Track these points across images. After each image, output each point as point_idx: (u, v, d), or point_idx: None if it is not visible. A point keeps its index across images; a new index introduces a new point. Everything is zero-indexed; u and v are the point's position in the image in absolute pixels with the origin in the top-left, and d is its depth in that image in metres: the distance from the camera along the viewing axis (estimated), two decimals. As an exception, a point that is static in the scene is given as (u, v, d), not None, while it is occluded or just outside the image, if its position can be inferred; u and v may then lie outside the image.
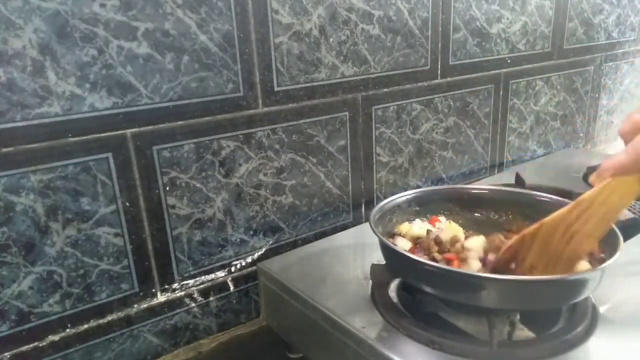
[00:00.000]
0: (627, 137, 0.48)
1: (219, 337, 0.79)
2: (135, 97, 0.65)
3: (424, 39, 0.93)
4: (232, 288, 0.80)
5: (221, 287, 0.79)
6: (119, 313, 0.70)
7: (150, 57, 0.65)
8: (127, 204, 0.67)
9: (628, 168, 0.47)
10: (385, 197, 0.75)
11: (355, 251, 0.80)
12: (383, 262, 0.65)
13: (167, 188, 0.70)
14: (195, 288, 0.76)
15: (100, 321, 0.69)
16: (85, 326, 0.68)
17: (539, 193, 0.72)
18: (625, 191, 0.48)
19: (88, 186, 0.64)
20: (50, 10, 0.57)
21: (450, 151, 1.05)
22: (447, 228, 0.66)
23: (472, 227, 0.70)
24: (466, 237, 0.64)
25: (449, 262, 0.59)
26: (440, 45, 0.96)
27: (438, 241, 0.62)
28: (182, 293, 0.75)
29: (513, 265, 0.56)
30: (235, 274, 0.80)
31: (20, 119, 0.58)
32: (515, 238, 0.56)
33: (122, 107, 0.64)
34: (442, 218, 0.72)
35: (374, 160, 0.93)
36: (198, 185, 0.73)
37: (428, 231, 0.66)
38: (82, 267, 0.65)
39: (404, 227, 0.67)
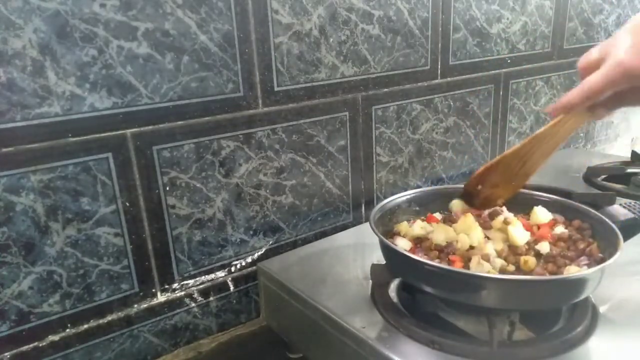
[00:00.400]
0: (583, 73, 0.54)
1: (219, 337, 0.79)
2: (135, 97, 0.65)
3: (424, 39, 0.93)
4: (232, 288, 0.80)
5: (221, 287, 0.79)
6: (119, 313, 0.70)
7: (150, 57, 0.65)
8: (127, 204, 0.67)
9: (577, 105, 0.53)
10: (385, 197, 0.75)
11: (355, 251, 0.80)
12: (383, 262, 0.65)
13: (167, 188, 0.70)
14: (195, 288, 0.76)
15: (100, 321, 0.69)
16: (85, 326, 0.68)
17: (538, 193, 0.72)
18: (572, 122, 0.57)
19: (88, 186, 0.64)
20: (50, 10, 0.57)
21: (450, 151, 1.05)
22: (437, 229, 0.65)
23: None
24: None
25: (450, 262, 0.59)
26: (440, 45, 0.96)
27: (438, 248, 0.62)
28: (182, 293, 0.75)
29: (479, 187, 0.64)
30: (235, 274, 0.80)
31: (20, 119, 0.58)
32: (482, 167, 0.64)
33: (122, 107, 0.64)
34: (437, 215, 0.71)
35: (374, 160, 0.93)
36: (198, 185, 0.73)
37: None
38: (82, 267, 0.65)
39: (404, 227, 0.67)
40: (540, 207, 0.68)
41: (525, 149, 0.61)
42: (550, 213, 0.68)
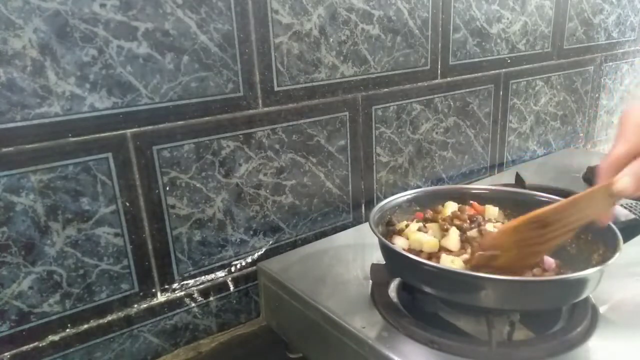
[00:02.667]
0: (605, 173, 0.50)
1: (219, 337, 0.79)
2: (135, 97, 0.65)
3: (424, 39, 0.93)
4: (232, 288, 0.80)
5: (221, 287, 0.79)
6: (119, 313, 0.70)
7: (150, 57, 0.65)
8: (127, 204, 0.67)
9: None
10: (385, 197, 0.75)
11: (355, 251, 0.80)
12: (383, 262, 0.65)
13: (167, 188, 0.70)
14: (195, 288, 0.76)
15: (100, 321, 0.69)
16: (85, 326, 0.68)
17: (539, 193, 0.72)
18: (601, 204, 0.52)
19: (88, 186, 0.64)
20: (50, 10, 0.57)
21: (450, 151, 1.05)
22: (425, 243, 0.64)
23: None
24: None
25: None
26: (440, 45, 0.96)
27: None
28: (182, 293, 0.75)
29: (497, 253, 0.58)
30: (235, 274, 0.80)
31: (20, 119, 0.58)
32: (502, 227, 0.59)
33: (122, 107, 0.64)
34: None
35: (374, 160, 0.93)
36: (198, 185, 0.73)
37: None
38: (82, 267, 0.65)
39: (402, 227, 0.67)
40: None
41: (555, 215, 0.54)
42: None
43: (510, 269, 0.56)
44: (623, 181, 0.49)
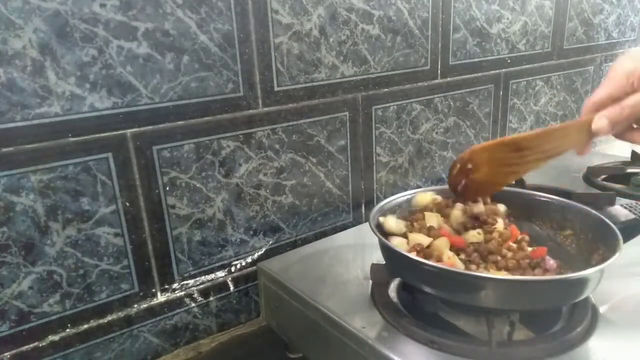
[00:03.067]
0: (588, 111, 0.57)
1: (219, 337, 0.79)
2: (135, 97, 0.65)
3: (424, 39, 0.93)
4: (232, 288, 0.80)
5: (221, 287, 0.79)
6: (119, 313, 0.70)
7: (150, 57, 0.65)
8: (127, 204, 0.67)
9: (621, 121, 0.55)
10: (385, 197, 0.75)
11: (355, 251, 0.80)
12: (383, 262, 0.65)
13: (167, 188, 0.70)
14: (195, 288, 0.76)
15: (100, 321, 0.69)
16: (85, 326, 0.68)
17: (539, 193, 0.72)
18: (587, 133, 0.57)
19: (88, 186, 0.64)
20: (50, 10, 0.57)
21: (450, 151, 1.05)
22: (428, 217, 0.65)
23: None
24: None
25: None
26: (440, 45, 0.96)
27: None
28: (182, 293, 0.75)
29: (469, 166, 0.63)
30: (235, 274, 0.80)
31: (20, 119, 0.58)
32: (478, 145, 0.63)
33: (122, 107, 0.64)
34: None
35: (374, 160, 0.93)
36: (198, 185, 0.73)
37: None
38: (82, 267, 0.65)
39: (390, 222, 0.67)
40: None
41: (529, 142, 0.59)
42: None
43: (485, 184, 0.63)
44: (600, 122, 0.55)
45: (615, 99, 0.54)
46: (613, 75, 0.55)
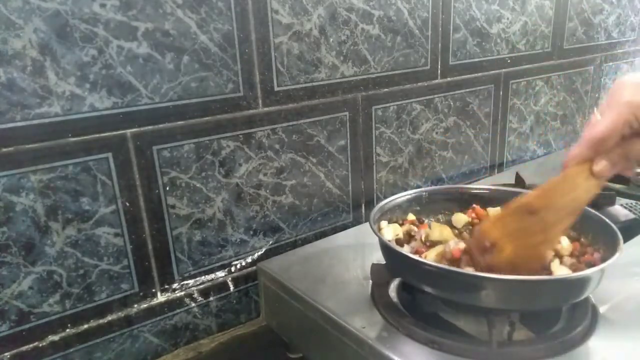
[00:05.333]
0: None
1: (219, 337, 0.79)
2: (135, 97, 0.65)
3: (424, 39, 0.93)
4: (232, 288, 0.80)
5: (221, 287, 0.79)
6: (119, 313, 0.70)
7: (150, 57, 0.65)
8: (127, 204, 0.67)
9: (584, 153, 0.51)
10: (385, 197, 0.75)
11: (355, 251, 0.80)
12: (383, 262, 0.65)
13: (167, 188, 0.70)
14: (195, 288, 0.76)
15: (100, 321, 0.69)
16: (85, 326, 0.68)
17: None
18: (590, 183, 0.51)
19: (88, 186, 0.64)
20: (50, 10, 0.57)
21: (450, 151, 1.05)
22: (434, 228, 0.66)
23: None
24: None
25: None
26: (440, 45, 0.96)
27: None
28: (182, 293, 0.75)
29: (487, 244, 0.55)
30: (235, 274, 0.80)
31: (20, 119, 0.58)
32: (493, 217, 0.59)
33: (122, 107, 0.64)
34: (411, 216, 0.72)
35: (374, 160, 0.93)
36: (198, 185, 0.73)
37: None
38: (82, 267, 0.65)
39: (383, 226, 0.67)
40: None
41: (539, 200, 0.53)
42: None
43: (520, 264, 0.54)
44: (601, 164, 0.50)
45: (617, 135, 0.49)
46: (614, 104, 0.49)
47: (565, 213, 0.53)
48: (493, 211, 0.71)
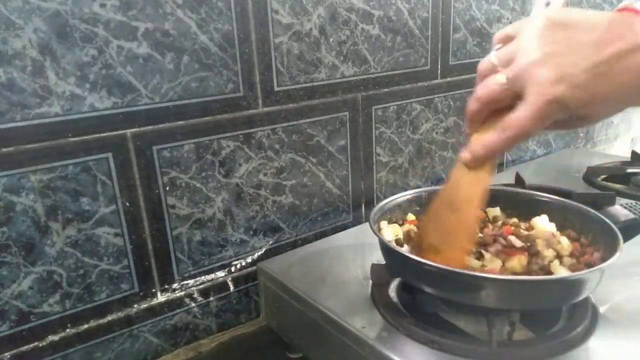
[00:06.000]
0: (479, 81, 0.49)
1: (219, 337, 0.79)
2: (135, 97, 0.65)
3: (424, 39, 0.93)
4: (232, 288, 0.80)
5: (221, 287, 0.79)
6: (119, 313, 0.70)
7: (150, 57, 0.65)
8: (127, 204, 0.67)
9: (500, 150, 0.48)
10: (385, 197, 0.75)
11: (355, 251, 0.80)
12: (383, 262, 0.65)
13: (167, 188, 0.70)
14: (195, 288, 0.76)
15: (100, 321, 0.69)
16: (85, 326, 0.68)
17: (539, 193, 0.72)
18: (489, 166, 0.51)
19: (88, 186, 0.64)
20: (50, 10, 0.57)
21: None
22: None
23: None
24: None
25: None
26: (440, 45, 0.96)
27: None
28: (182, 293, 0.75)
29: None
30: (235, 274, 0.80)
31: (20, 119, 0.58)
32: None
33: (122, 107, 0.64)
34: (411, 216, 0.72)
35: (374, 160, 0.93)
36: (198, 185, 0.73)
37: None
38: (82, 267, 0.65)
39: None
40: (543, 216, 0.68)
41: (448, 193, 0.55)
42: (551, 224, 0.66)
43: (440, 246, 0.56)
44: (462, 154, 0.50)
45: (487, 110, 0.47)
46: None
47: (472, 205, 0.53)
48: (492, 211, 0.71)
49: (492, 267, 0.57)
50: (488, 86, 0.46)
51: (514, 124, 0.44)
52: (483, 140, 0.48)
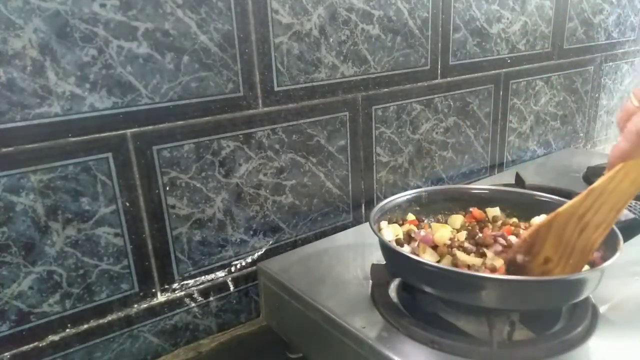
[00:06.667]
0: (622, 125, 0.48)
1: (219, 337, 0.79)
2: (135, 97, 0.65)
3: (424, 39, 0.93)
4: (232, 288, 0.80)
5: (221, 287, 0.79)
6: (119, 313, 0.70)
7: (150, 57, 0.65)
8: (127, 204, 0.67)
9: (629, 152, 0.47)
10: (385, 197, 0.75)
11: (355, 251, 0.80)
12: (383, 262, 0.65)
13: (167, 188, 0.70)
14: (195, 288, 0.76)
15: (100, 321, 0.69)
16: (85, 326, 0.68)
17: (539, 193, 0.72)
18: (633, 177, 0.49)
19: (88, 186, 0.64)
20: (50, 10, 0.57)
21: (450, 151, 1.05)
22: (435, 228, 0.66)
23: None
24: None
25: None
26: (440, 45, 0.96)
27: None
28: (182, 293, 0.75)
29: (523, 258, 0.57)
30: (235, 274, 0.80)
31: (20, 119, 0.58)
32: (529, 230, 0.57)
33: (122, 107, 0.64)
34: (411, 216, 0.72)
35: (374, 160, 0.93)
36: (198, 185, 0.73)
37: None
38: (82, 267, 0.65)
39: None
40: (543, 216, 0.67)
41: (581, 209, 0.52)
42: None
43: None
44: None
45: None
46: None
47: (609, 213, 0.52)
48: (492, 211, 0.71)
49: (494, 264, 0.57)
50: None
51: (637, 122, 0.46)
52: (618, 143, 0.48)
